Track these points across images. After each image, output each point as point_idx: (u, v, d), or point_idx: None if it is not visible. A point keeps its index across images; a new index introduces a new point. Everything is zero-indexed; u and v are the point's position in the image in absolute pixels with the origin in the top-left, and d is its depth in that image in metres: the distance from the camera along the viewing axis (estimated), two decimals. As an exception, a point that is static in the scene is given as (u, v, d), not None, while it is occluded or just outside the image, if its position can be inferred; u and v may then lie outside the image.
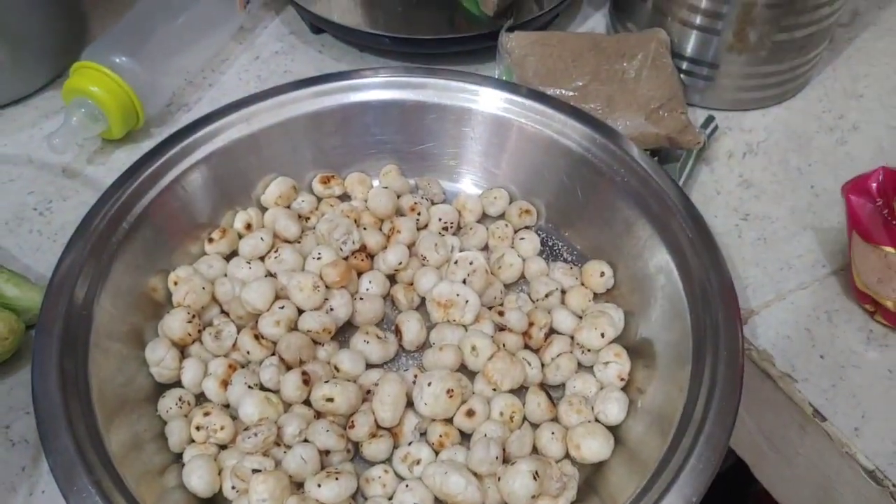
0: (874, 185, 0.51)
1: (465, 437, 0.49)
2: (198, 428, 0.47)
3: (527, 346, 0.52)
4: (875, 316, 0.54)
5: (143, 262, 0.51)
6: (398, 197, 0.58)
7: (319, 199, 0.59)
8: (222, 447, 0.48)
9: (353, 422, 0.47)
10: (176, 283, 0.52)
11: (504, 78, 0.64)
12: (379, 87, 0.58)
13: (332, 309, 0.52)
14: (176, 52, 0.64)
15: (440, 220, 0.57)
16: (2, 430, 0.49)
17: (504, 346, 0.51)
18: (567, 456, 0.48)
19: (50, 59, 0.68)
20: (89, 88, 0.59)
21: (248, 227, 0.56)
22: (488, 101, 0.58)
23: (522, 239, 0.57)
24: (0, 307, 0.50)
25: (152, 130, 0.65)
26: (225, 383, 0.49)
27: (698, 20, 0.63)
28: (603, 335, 0.51)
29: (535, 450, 0.48)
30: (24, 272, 0.55)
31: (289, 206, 0.58)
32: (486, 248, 0.57)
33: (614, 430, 0.49)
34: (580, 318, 0.53)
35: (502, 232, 0.57)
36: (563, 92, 0.61)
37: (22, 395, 0.50)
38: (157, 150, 0.54)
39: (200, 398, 0.50)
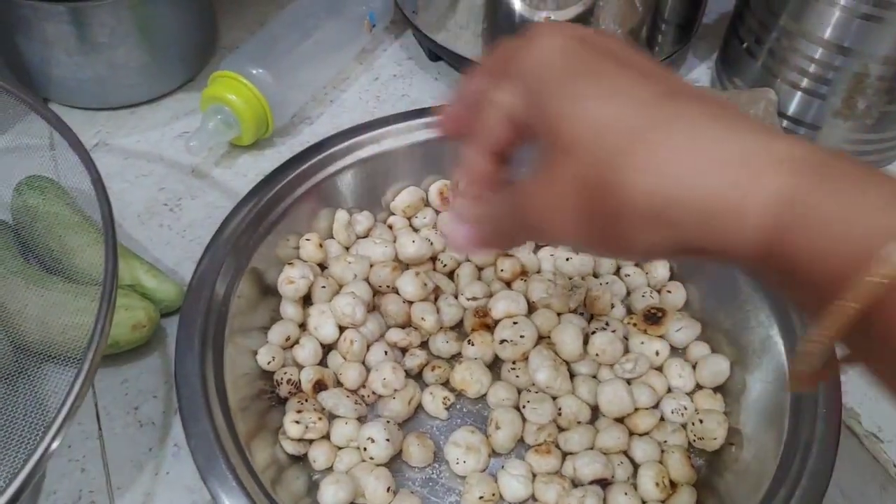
0: None
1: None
2: (296, 422, 0.49)
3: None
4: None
5: (275, 262, 0.55)
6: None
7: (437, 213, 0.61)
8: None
9: None
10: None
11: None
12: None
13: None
14: (305, 68, 0.68)
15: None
16: (132, 411, 0.52)
17: None
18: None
19: (185, 64, 0.72)
20: (227, 96, 0.63)
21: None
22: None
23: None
24: (139, 296, 0.54)
25: (276, 140, 0.68)
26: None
27: (805, 83, 0.65)
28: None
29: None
30: (154, 264, 0.58)
31: (410, 219, 0.61)
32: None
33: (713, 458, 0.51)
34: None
35: None
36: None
37: (150, 380, 0.54)
38: (293, 160, 0.57)
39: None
